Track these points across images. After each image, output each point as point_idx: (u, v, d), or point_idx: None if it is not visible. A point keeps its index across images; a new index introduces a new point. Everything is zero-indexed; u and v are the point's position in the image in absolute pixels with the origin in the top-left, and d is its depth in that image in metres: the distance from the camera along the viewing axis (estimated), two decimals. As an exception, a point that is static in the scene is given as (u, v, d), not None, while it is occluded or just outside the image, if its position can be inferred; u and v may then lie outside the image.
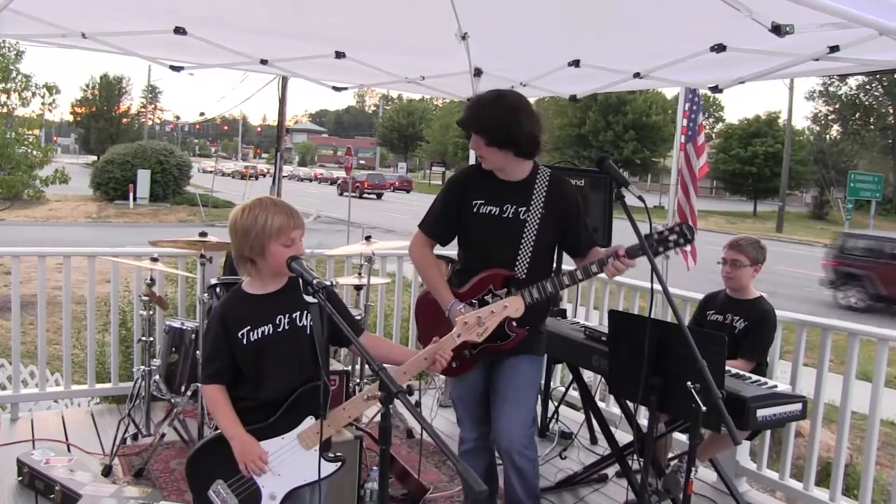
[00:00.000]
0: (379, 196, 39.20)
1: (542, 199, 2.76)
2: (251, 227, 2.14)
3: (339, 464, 2.24)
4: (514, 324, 2.71)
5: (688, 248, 5.90)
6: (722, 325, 3.65)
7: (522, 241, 2.74)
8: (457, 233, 2.89)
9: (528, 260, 2.74)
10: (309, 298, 2.17)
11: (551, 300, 2.92)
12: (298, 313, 2.23)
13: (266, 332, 2.20)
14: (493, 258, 2.78)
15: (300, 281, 2.16)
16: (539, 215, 2.75)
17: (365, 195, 38.59)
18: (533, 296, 2.66)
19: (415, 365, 2.20)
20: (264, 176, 41.51)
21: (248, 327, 2.19)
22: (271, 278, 2.24)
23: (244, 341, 2.19)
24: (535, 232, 2.74)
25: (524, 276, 2.74)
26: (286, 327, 2.22)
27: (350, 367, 4.27)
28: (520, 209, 2.76)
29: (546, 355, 3.21)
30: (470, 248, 2.87)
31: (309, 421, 2.21)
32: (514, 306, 2.27)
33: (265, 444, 2.19)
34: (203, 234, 3.95)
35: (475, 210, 2.79)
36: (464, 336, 2.19)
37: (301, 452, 2.21)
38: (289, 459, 2.20)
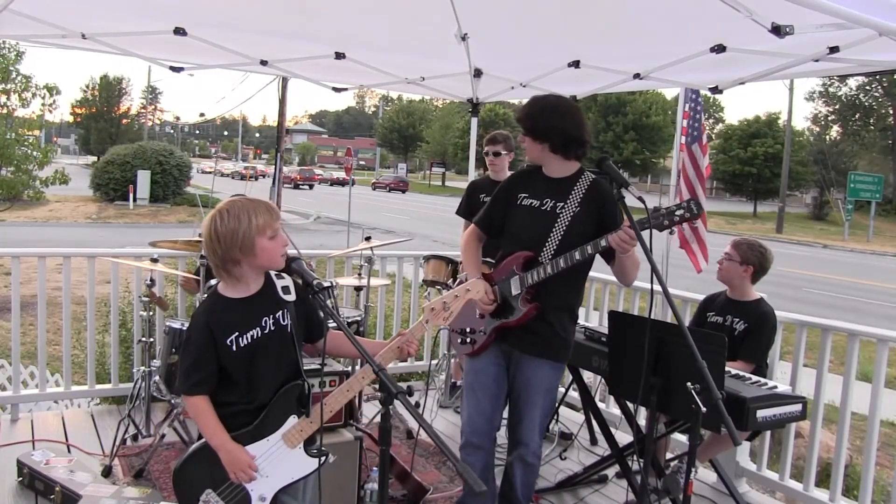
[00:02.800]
0: (311, 187, 48.22)
1: (580, 198, 2.91)
2: (237, 229, 2.10)
3: (324, 457, 2.24)
4: (528, 298, 2.89)
5: (695, 247, 5.89)
6: (721, 327, 3.65)
7: (553, 229, 2.89)
8: (503, 225, 3.10)
9: (554, 247, 2.87)
10: (287, 297, 2.21)
11: (576, 303, 3.05)
12: (280, 312, 2.22)
13: (255, 336, 2.18)
14: (524, 243, 2.96)
15: (275, 280, 2.20)
16: (573, 210, 2.89)
17: (299, 186, 47.51)
18: (547, 271, 2.83)
19: (386, 355, 2.20)
20: (263, 177, 43.54)
21: (237, 333, 2.16)
22: (255, 278, 2.21)
23: (234, 348, 2.15)
24: (566, 223, 2.88)
25: (548, 262, 2.87)
26: (272, 328, 2.21)
27: (350, 368, 4.27)
28: (558, 203, 2.94)
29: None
30: (508, 236, 3.08)
31: (292, 420, 2.21)
32: (475, 289, 2.36)
33: (252, 448, 2.18)
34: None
35: (519, 202, 3.02)
36: (432, 321, 2.25)
37: (287, 451, 2.21)
38: (276, 460, 2.20)
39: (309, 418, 2.20)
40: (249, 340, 2.17)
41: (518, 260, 2.93)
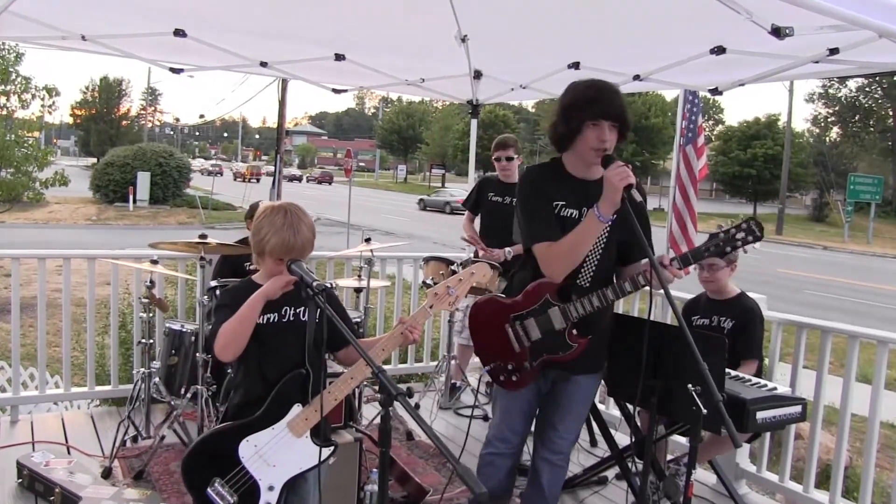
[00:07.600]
0: (258, 181, 52.42)
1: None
2: (256, 232, 2.24)
3: (333, 447, 2.27)
4: (575, 332, 2.60)
5: (684, 248, 5.88)
6: (710, 328, 3.64)
7: (594, 247, 2.57)
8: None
9: (594, 267, 2.61)
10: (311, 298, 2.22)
11: (611, 307, 2.71)
12: (303, 308, 2.29)
13: (271, 320, 2.24)
14: None
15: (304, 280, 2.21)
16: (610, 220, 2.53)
17: (250, 181, 51.48)
18: (578, 311, 2.55)
19: (391, 341, 2.23)
20: (227, 173, 49.27)
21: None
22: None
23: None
24: (604, 238, 2.60)
25: (587, 285, 2.60)
26: (290, 318, 2.28)
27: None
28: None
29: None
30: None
31: (297, 409, 2.23)
32: (480, 272, 2.21)
33: (258, 437, 2.21)
34: (203, 237, 3.94)
35: (557, 212, 2.60)
36: (436, 307, 2.20)
37: (292, 441, 2.22)
38: (282, 449, 2.22)
39: (312, 407, 2.21)
40: (264, 322, 2.23)
41: (551, 288, 2.58)
